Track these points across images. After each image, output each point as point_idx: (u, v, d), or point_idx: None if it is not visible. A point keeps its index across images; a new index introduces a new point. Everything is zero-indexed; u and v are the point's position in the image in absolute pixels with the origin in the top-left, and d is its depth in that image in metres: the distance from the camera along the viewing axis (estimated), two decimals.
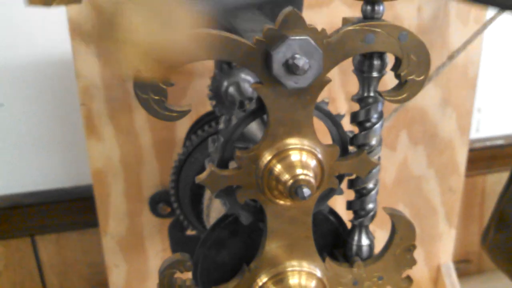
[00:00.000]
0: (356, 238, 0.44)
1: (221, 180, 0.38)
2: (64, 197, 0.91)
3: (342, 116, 0.41)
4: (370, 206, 0.43)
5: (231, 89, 0.53)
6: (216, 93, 0.55)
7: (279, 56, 0.33)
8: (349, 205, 0.44)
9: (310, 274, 0.41)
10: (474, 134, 1.00)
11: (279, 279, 0.41)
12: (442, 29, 0.69)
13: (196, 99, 0.68)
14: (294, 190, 0.36)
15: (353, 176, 0.43)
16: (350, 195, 0.44)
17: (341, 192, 0.43)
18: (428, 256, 0.83)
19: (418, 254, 0.82)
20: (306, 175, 0.36)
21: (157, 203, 0.72)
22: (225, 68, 0.53)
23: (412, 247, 0.44)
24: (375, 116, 0.41)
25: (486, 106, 0.98)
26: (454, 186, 0.79)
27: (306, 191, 0.36)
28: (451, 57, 0.63)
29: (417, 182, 0.79)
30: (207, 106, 0.64)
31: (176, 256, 0.40)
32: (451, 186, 0.79)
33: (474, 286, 0.96)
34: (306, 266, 0.41)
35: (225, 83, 0.54)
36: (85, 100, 0.67)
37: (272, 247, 0.41)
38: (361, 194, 0.43)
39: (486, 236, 0.77)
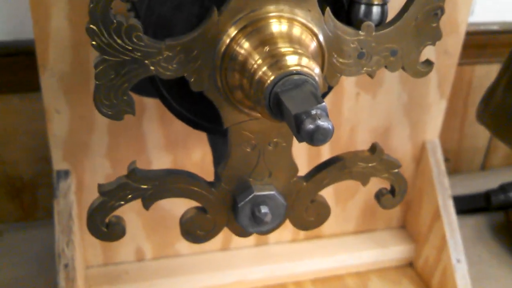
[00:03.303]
0: None
1: None
2: (2, 51, 0.76)
3: None
4: None
5: None
6: None
7: None
8: None
9: (304, 26, 0.29)
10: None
11: (257, 28, 0.28)
12: None
13: None
14: None
15: None
16: None
17: None
18: (414, 131, 0.71)
19: (402, 126, 0.71)
20: None
21: None
22: None
23: (439, 11, 0.31)
24: None
25: None
26: (451, 48, 0.67)
27: None
28: None
29: None
30: None
31: None
32: (448, 49, 0.67)
33: (450, 185, 0.86)
34: (300, 15, 0.29)
35: None
36: None
37: None
38: None
39: (487, 103, 0.67)
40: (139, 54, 0.28)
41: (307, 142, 0.24)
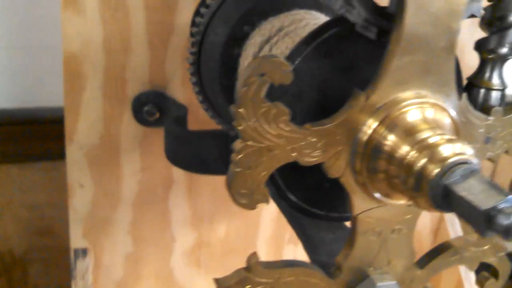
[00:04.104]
0: (486, 77, 0.31)
1: None
2: (4, 120, 0.71)
3: None
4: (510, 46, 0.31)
5: None
6: None
7: None
8: (481, 44, 0.31)
9: (445, 111, 0.28)
10: None
11: (399, 117, 0.27)
12: None
13: None
14: None
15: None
16: None
17: None
18: None
19: None
20: None
21: (142, 105, 0.55)
22: None
23: None
24: None
25: None
26: None
27: None
28: None
29: None
30: None
31: (264, 57, 0.25)
32: None
33: None
34: (440, 100, 0.28)
35: None
36: None
37: (401, 62, 0.27)
38: (501, 27, 0.31)
39: None
40: (283, 139, 0.26)
41: (499, 237, 0.22)
